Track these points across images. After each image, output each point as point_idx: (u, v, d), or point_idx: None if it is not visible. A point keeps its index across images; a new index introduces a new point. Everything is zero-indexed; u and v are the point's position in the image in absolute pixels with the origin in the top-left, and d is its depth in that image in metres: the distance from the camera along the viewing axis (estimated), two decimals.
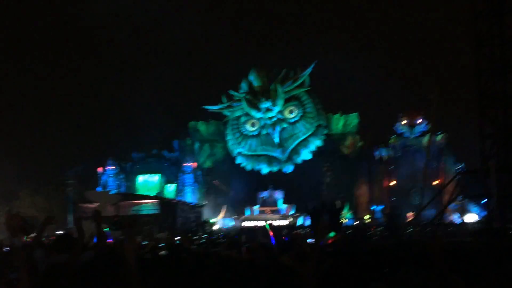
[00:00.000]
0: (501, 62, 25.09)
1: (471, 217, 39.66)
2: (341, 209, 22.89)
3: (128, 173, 53.04)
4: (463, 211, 41.59)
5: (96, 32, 59.77)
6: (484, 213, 38.03)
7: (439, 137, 46.40)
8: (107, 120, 56.74)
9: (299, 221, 45.43)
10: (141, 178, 52.61)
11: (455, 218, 41.31)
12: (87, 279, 4.61)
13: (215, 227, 44.05)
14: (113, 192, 50.06)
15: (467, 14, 28.06)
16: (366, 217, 45.40)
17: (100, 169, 52.27)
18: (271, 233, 8.40)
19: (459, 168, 43.82)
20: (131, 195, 47.89)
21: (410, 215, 37.28)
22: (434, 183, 45.34)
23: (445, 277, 4.20)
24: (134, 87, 57.62)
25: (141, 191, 50.00)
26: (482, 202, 35.05)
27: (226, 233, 34.16)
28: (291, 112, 51.19)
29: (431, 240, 4.39)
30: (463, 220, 38.32)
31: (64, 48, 54.60)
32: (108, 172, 52.08)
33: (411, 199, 45.22)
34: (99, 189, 50.46)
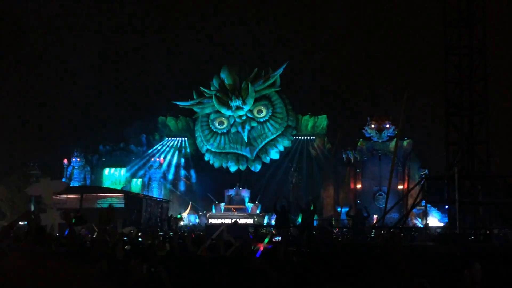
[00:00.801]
0: (468, 71, 25.64)
1: (433, 222, 40.54)
2: (315, 210, 23.01)
3: (94, 166, 52.43)
4: (425, 216, 42.50)
5: (69, 19, 58.75)
6: (445, 219, 38.88)
7: (405, 143, 47.24)
8: (75, 111, 55.80)
9: (265, 220, 45.65)
10: (107, 171, 52.05)
11: (418, 222, 42.16)
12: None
13: (181, 223, 43.87)
14: (77, 184, 49.43)
15: (437, 23, 28.64)
16: (331, 218, 45.83)
17: (65, 161, 51.52)
18: (261, 248, 8.40)
19: (423, 174, 44.66)
20: (96, 187, 47.35)
21: (376, 218, 37.81)
22: (399, 187, 46.19)
23: (406, 278, 4.31)
24: (103, 80, 56.85)
25: (107, 185, 49.49)
26: (446, 207, 35.83)
27: (191, 230, 34.04)
28: (261, 111, 51.36)
29: (390, 242, 4.50)
30: (426, 224, 39.07)
31: (29, 32, 53.55)
32: (74, 164, 51.39)
33: (376, 202, 45.91)
34: (63, 181, 49.73)
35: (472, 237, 22.34)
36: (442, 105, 26.73)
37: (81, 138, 52.30)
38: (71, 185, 48.05)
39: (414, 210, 37.07)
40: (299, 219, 24.81)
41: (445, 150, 26.00)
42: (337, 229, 30.40)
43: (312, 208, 21.73)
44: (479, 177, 24.46)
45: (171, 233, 23.69)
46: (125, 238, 15.72)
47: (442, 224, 38.06)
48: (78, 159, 51.52)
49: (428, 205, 39.97)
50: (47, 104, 56.71)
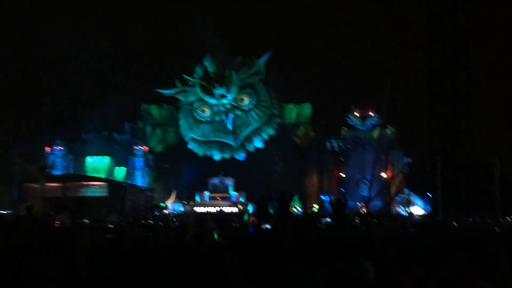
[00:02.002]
0: (451, 60, 25.80)
1: (416, 210, 40.85)
2: (291, 198, 23.03)
3: (77, 154, 51.87)
4: (408, 204, 42.80)
5: (54, 10, 57.92)
6: (428, 206, 39.25)
7: (388, 131, 47.41)
8: (57, 98, 55.14)
9: (249, 209, 45.65)
10: (90, 160, 51.58)
11: (401, 210, 42.46)
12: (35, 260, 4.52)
13: (165, 211, 43.80)
14: (59, 173, 48.98)
15: (421, 12, 28.72)
16: (315, 206, 46.00)
17: (48, 149, 50.95)
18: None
19: (406, 162, 44.96)
20: (79, 176, 47.00)
21: (361, 206, 38.04)
22: (382, 175, 46.43)
23: (388, 268, 4.28)
24: (87, 66, 56.19)
25: (90, 173, 49.04)
26: (428, 195, 36.13)
27: (176, 218, 33.96)
28: (244, 99, 51.13)
29: (374, 230, 4.48)
30: (409, 212, 39.37)
31: (10, 18, 52.74)
32: (56, 152, 50.84)
33: (359, 190, 46.16)
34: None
35: (455, 224, 22.58)
36: (425, 94, 26.91)
37: (64, 126, 51.72)
38: (54, 174, 47.62)
39: (397, 198, 37.38)
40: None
41: (428, 138, 26.21)
42: (320, 218, 30.50)
43: (287, 197, 21.75)
44: (461, 165, 24.71)
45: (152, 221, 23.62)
46: (110, 226, 15.64)
47: (424, 212, 38.39)
48: (61, 148, 50.97)
49: (411, 193, 40.26)
50: (29, 92, 56.01)
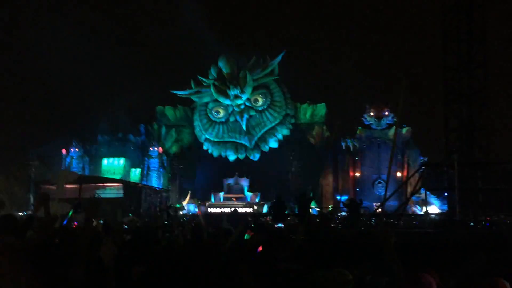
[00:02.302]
0: (467, 57, 25.51)
1: (432, 210, 40.47)
2: (310, 199, 23.01)
3: (93, 156, 52.20)
4: (424, 203, 42.37)
5: (67, 9, 58.51)
6: (445, 206, 38.85)
7: (404, 130, 47.09)
8: (73, 101, 55.59)
9: (264, 209, 45.58)
10: (106, 161, 51.86)
11: (417, 210, 42.10)
12: (42, 261, 4.51)
13: (180, 213, 43.90)
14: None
15: (436, 9, 28.44)
16: (329, 206, 45.78)
17: (64, 151, 51.32)
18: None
19: (422, 161, 44.58)
20: (95, 177, 47.24)
21: (376, 206, 37.77)
22: (398, 175, 46.10)
23: (392, 268, 4.19)
24: (102, 68, 56.58)
25: (105, 175, 49.31)
26: (445, 195, 35.79)
27: (191, 219, 34.00)
28: (259, 100, 51.09)
29: (380, 231, 4.39)
30: (425, 212, 39.02)
31: (27, 20, 53.32)
32: (72, 154, 51.21)
33: (375, 190, 45.89)
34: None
35: (472, 224, 22.31)
36: (441, 92, 26.63)
37: (79, 128, 52.08)
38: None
39: (413, 198, 37.03)
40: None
41: (445, 137, 25.92)
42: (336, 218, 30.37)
43: (307, 198, 21.69)
44: (478, 164, 24.41)
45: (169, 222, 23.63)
46: (126, 227, 15.67)
47: (440, 211, 38.02)
48: (77, 149, 51.32)
49: (427, 192, 39.90)
50: (46, 94, 56.51)
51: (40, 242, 4.77)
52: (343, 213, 27.51)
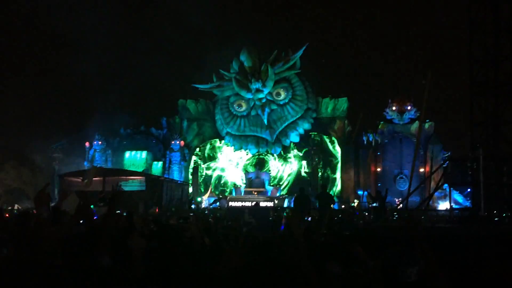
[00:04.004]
0: (494, 50, 25.06)
1: (455, 205, 40.01)
2: (331, 196, 22.89)
3: (115, 149, 52.64)
4: (447, 199, 41.90)
5: (96, 7, 58.95)
6: (467, 202, 38.38)
7: (426, 125, 46.51)
8: (97, 94, 56.08)
9: (285, 203, 45.55)
10: (128, 154, 52.26)
11: (440, 205, 41.68)
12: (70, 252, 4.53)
13: (201, 205, 44.12)
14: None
15: (463, 0, 27.97)
16: (355, 201, 45.58)
17: (87, 144, 51.86)
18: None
19: (446, 156, 44.07)
20: (119, 170, 47.61)
21: (398, 201, 37.50)
22: (421, 170, 45.62)
23: (425, 257, 4.11)
24: (124, 63, 57.01)
25: (127, 167, 49.69)
26: (468, 190, 35.34)
27: (211, 212, 34.10)
28: (281, 94, 50.92)
29: (408, 222, 4.30)
30: (448, 207, 38.63)
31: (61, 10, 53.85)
32: (95, 147, 51.71)
33: (397, 185, 45.53)
34: (85, 164, 50.21)
35: (497, 219, 21.98)
36: (465, 86, 26.25)
37: (102, 122, 52.50)
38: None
39: (435, 193, 36.62)
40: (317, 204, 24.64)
41: (470, 131, 25.55)
42: (358, 212, 30.21)
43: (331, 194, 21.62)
44: (504, 158, 24.01)
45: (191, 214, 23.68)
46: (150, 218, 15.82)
47: (463, 206, 37.57)
48: (100, 142, 51.79)
49: (451, 187, 39.45)
50: (70, 87, 57.12)
51: (69, 232, 4.79)
52: (373, 204, 27.28)
